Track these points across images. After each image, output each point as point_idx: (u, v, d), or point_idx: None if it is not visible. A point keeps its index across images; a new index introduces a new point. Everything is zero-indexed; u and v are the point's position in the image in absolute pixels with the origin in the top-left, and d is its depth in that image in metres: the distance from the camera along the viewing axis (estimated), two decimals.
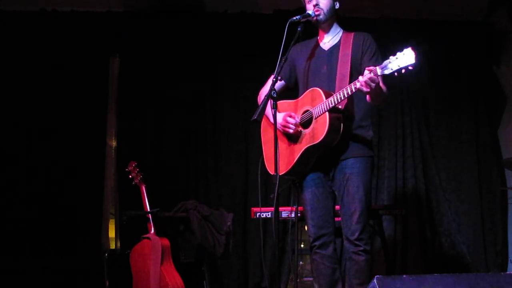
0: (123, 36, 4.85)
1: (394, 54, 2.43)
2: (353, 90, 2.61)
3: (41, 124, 4.67)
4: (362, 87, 2.55)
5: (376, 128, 4.90)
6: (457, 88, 5.13)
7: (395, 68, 2.42)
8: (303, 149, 2.82)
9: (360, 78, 2.56)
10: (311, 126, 2.80)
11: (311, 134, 2.79)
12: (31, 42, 4.75)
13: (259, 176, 2.96)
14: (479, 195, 4.94)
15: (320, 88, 2.81)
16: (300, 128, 2.88)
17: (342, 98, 2.66)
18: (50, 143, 4.66)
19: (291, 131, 2.87)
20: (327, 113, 2.71)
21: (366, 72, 2.55)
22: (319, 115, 2.75)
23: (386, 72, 2.46)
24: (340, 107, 2.71)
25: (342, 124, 2.75)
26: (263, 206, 3.83)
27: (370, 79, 2.52)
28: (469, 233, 4.88)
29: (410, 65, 2.38)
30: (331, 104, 2.68)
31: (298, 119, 2.88)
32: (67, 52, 4.77)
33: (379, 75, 2.50)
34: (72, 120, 4.70)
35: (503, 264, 4.83)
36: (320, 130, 2.74)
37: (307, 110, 2.84)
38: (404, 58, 2.39)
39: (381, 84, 2.83)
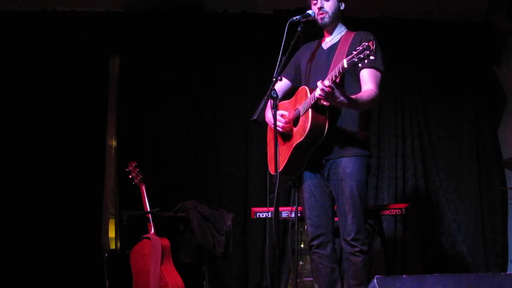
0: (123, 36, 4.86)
1: (361, 45, 2.43)
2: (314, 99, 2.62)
3: (40, 124, 4.67)
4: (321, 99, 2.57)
5: (376, 128, 4.90)
6: (457, 88, 5.12)
7: (359, 58, 2.41)
8: (292, 147, 2.83)
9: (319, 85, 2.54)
10: (299, 124, 2.82)
11: (299, 131, 2.79)
12: (31, 42, 4.75)
13: (267, 176, 2.99)
14: (479, 195, 4.93)
15: (307, 86, 2.82)
16: (291, 127, 2.89)
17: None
18: (50, 143, 4.66)
19: (280, 129, 2.87)
20: (310, 109, 2.70)
21: (319, 84, 2.54)
22: (304, 112, 2.75)
23: (351, 63, 2.44)
24: (324, 103, 2.66)
25: (327, 120, 2.73)
26: (264, 206, 3.83)
27: (326, 87, 2.51)
28: (469, 233, 4.87)
29: (372, 54, 2.37)
30: (313, 100, 2.66)
31: (291, 117, 2.89)
32: (67, 52, 4.77)
33: (345, 67, 2.47)
34: (72, 120, 4.69)
35: (503, 264, 4.83)
36: (304, 126, 2.74)
37: (297, 108, 2.86)
38: (365, 47, 2.38)
39: (374, 86, 2.81)
